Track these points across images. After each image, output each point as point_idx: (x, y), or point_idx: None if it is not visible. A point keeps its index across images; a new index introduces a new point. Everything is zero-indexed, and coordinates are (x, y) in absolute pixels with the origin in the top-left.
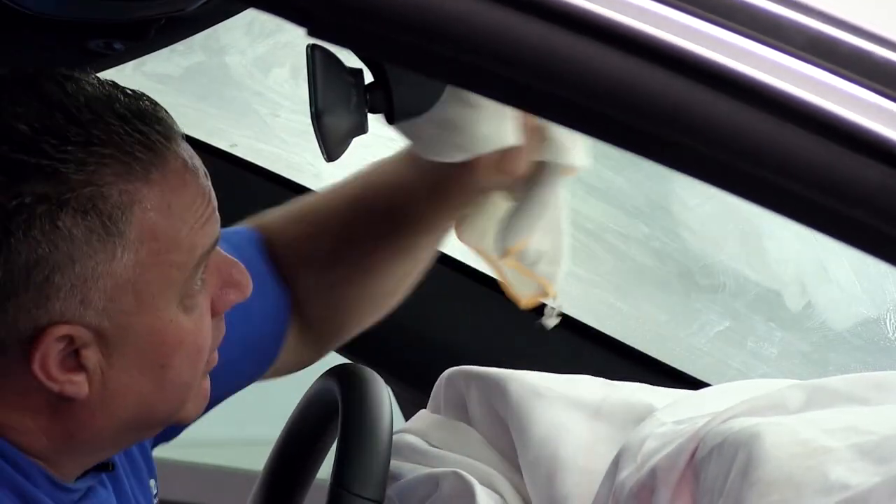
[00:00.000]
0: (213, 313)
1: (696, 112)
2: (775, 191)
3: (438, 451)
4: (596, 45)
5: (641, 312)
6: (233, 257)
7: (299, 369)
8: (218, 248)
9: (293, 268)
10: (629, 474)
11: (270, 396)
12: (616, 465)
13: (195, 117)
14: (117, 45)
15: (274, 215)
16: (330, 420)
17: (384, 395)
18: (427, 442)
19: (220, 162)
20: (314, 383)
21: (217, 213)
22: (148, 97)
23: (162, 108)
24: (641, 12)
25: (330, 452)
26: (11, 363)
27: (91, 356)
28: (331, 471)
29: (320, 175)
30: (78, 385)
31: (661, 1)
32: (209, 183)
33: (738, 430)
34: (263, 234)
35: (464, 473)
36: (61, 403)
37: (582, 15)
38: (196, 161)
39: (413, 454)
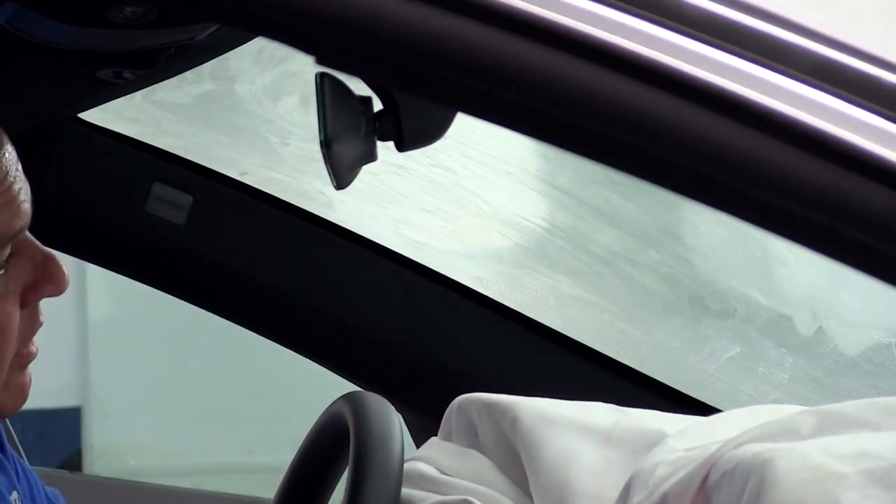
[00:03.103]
0: (25, 304)
1: (702, 136)
2: (784, 215)
3: (449, 479)
4: (605, 71)
5: (652, 338)
6: (49, 250)
7: None
8: (33, 239)
9: None
10: (640, 501)
11: (282, 424)
12: (627, 491)
13: (205, 146)
14: (127, 74)
15: None
16: (341, 447)
17: (395, 423)
18: (438, 469)
19: (230, 190)
20: (325, 411)
21: (27, 203)
22: None
23: None
24: (647, 39)
25: (341, 480)
26: None
27: None
28: (342, 499)
29: (330, 203)
30: None
31: (670, 28)
32: (18, 169)
33: (750, 455)
34: None
35: (475, 501)
36: None
37: (587, 41)
38: (6, 142)
39: (424, 482)
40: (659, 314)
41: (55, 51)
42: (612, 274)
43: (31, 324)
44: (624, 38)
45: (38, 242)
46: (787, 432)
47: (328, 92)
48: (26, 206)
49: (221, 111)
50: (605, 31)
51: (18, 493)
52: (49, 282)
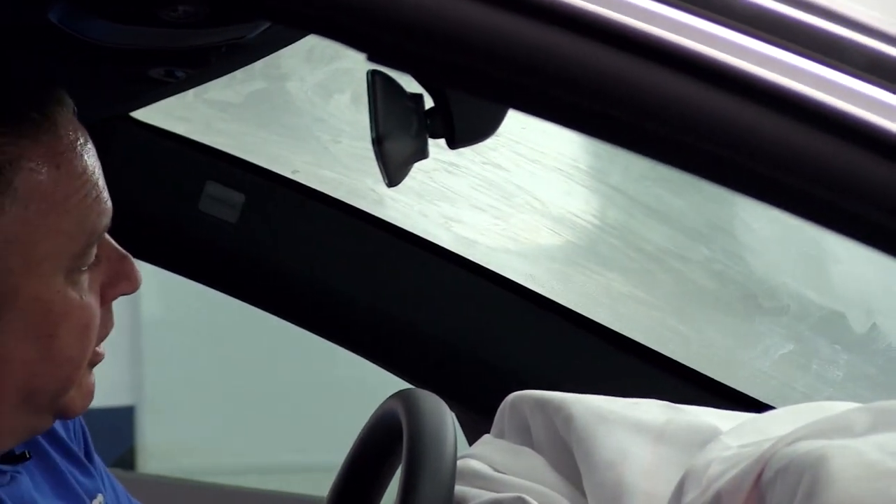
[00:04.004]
0: (102, 301)
1: (760, 133)
2: (839, 212)
3: (503, 476)
4: (653, 66)
5: (704, 336)
6: (123, 250)
7: None
8: (111, 240)
9: None
10: (694, 498)
11: (334, 422)
12: (681, 489)
13: (256, 144)
14: (179, 73)
15: None
16: (394, 445)
17: (448, 420)
18: (491, 467)
19: (281, 188)
20: (378, 409)
21: (109, 201)
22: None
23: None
24: (705, 36)
25: (394, 478)
26: None
27: None
28: (395, 496)
29: (382, 200)
30: None
31: (724, 24)
32: (99, 168)
33: (804, 452)
34: None
35: (528, 498)
36: None
37: (631, 34)
38: (89, 141)
39: (477, 479)
40: (711, 311)
41: (107, 50)
42: (664, 271)
43: (106, 323)
44: (679, 35)
45: (114, 242)
46: (840, 429)
47: (380, 89)
48: (109, 203)
49: (273, 110)
50: (654, 25)
51: (103, 497)
52: (126, 280)
